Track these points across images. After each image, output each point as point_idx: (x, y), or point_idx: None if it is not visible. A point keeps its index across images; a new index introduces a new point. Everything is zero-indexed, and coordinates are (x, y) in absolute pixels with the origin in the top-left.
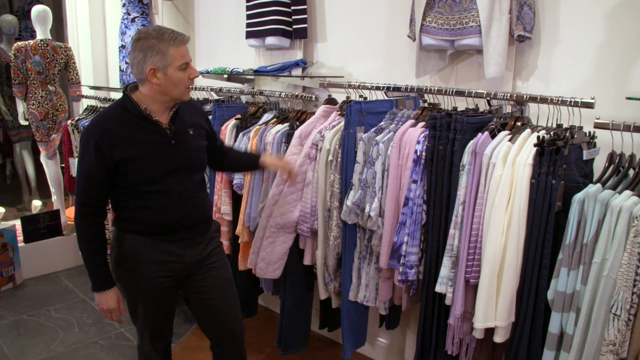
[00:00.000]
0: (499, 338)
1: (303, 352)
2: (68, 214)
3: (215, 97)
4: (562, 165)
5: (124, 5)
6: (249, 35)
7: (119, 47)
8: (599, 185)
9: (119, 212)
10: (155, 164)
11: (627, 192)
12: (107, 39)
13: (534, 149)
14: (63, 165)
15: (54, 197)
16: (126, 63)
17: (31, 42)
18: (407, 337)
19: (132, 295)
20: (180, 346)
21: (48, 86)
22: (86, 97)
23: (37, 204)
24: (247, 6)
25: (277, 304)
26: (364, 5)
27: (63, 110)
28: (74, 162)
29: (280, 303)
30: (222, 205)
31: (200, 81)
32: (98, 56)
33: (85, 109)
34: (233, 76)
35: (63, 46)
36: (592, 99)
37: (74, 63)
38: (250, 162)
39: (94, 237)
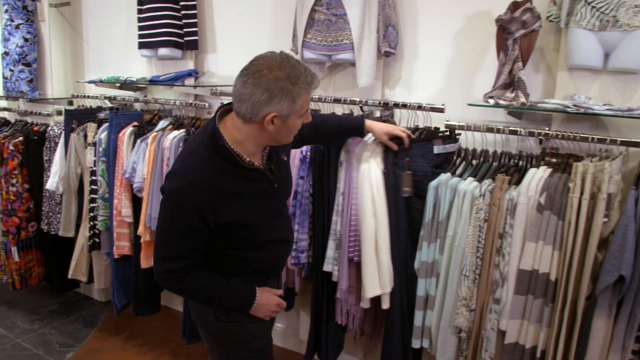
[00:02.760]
0: (385, 305)
1: None
2: None
3: (109, 104)
4: (404, 158)
5: (6, 11)
6: (142, 45)
7: (2, 54)
8: (449, 174)
9: (214, 262)
10: (266, 216)
11: (470, 179)
12: None
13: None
14: None
15: None
16: (10, 70)
17: None
18: (301, 318)
19: (243, 350)
20: (83, 349)
21: None
22: None
23: None
24: (138, 18)
25: (176, 303)
26: (251, 19)
27: None
28: None
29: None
30: (122, 209)
31: (93, 89)
32: None
33: None
34: (126, 85)
35: None
36: (442, 105)
37: None
38: (352, 130)
39: (203, 287)
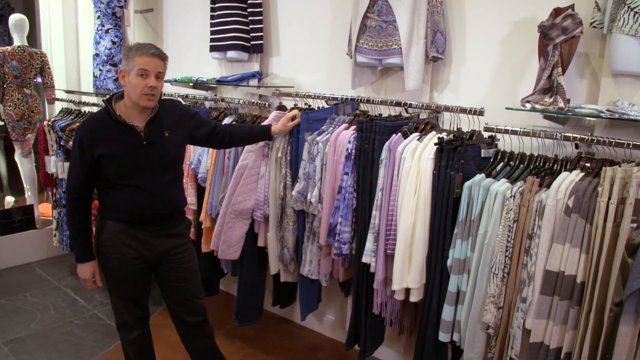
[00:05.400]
0: (414, 298)
1: (259, 328)
2: (42, 209)
3: (182, 102)
4: (459, 160)
5: (98, 17)
6: (213, 49)
7: (93, 55)
8: (483, 174)
9: (100, 201)
10: (128, 161)
11: (503, 180)
12: (80, 47)
13: (435, 147)
14: (36, 163)
15: (27, 193)
16: (99, 70)
17: (9, 48)
18: (348, 312)
19: (110, 274)
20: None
21: (24, 89)
22: (60, 100)
23: (9, 199)
24: (211, 23)
25: (233, 287)
26: (311, 25)
27: (38, 112)
28: (49, 160)
29: (238, 280)
30: (188, 197)
31: (168, 88)
32: (71, 62)
33: (60, 111)
34: (198, 84)
35: (39, 52)
36: (482, 108)
37: (49, 68)
38: (261, 135)
39: (78, 219)
